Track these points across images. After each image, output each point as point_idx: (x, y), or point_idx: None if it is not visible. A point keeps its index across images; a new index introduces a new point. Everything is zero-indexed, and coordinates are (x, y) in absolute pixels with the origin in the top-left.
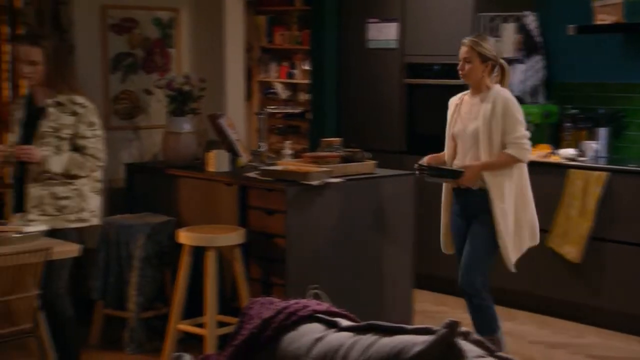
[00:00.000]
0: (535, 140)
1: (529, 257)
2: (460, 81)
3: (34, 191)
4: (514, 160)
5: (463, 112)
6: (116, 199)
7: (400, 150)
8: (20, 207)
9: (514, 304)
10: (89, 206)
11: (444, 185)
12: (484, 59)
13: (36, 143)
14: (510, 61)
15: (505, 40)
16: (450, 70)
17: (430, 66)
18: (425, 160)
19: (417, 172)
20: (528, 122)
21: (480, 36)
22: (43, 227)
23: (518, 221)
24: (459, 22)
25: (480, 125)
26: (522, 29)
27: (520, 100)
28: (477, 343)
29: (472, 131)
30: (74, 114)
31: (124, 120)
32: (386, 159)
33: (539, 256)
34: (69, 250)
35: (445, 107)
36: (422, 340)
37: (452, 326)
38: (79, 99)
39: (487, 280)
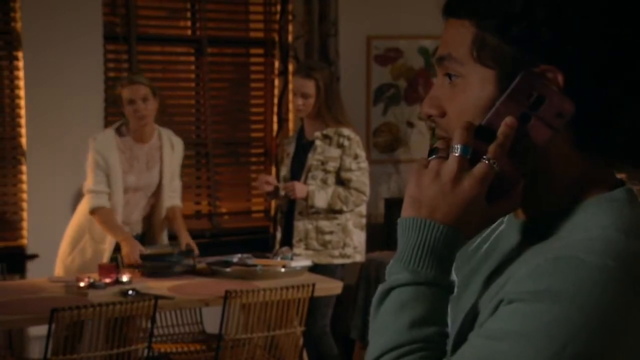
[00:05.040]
0: None
1: None
2: None
3: (300, 224)
4: None
5: None
6: (375, 235)
7: None
8: (287, 240)
9: None
10: (353, 242)
11: None
12: None
13: (304, 176)
14: None
15: None
16: None
17: None
18: None
19: None
20: None
21: None
22: (308, 263)
23: None
24: None
25: None
26: None
27: None
28: None
29: None
30: (340, 146)
31: (383, 154)
32: None
33: None
34: (332, 287)
35: None
36: None
37: None
38: (345, 131)
39: None
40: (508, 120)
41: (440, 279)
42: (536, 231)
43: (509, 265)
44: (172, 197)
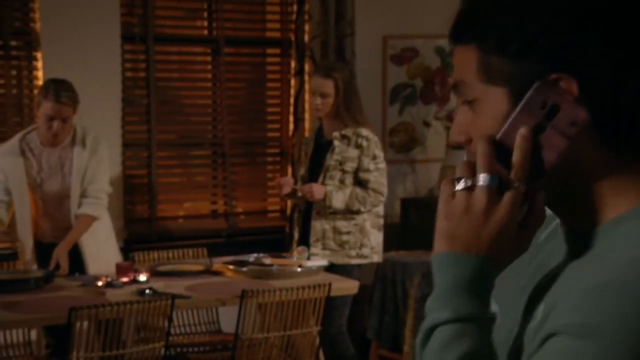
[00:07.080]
0: None
1: None
2: None
3: (318, 224)
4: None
5: None
6: (391, 235)
7: None
8: (304, 240)
9: None
10: (370, 242)
11: None
12: None
13: (322, 176)
14: None
15: None
16: None
17: None
18: None
19: None
20: None
21: None
22: (324, 262)
23: None
24: None
25: None
26: None
27: None
28: None
29: None
30: (358, 146)
31: (399, 154)
32: None
33: None
34: (349, 287)
35: None
36: None
37: None
38: (364, 132)
39: None
40: (522, 131)
41: (481, 313)
42: (577, 244)
43: (549, 283)
44: (84, 204)
